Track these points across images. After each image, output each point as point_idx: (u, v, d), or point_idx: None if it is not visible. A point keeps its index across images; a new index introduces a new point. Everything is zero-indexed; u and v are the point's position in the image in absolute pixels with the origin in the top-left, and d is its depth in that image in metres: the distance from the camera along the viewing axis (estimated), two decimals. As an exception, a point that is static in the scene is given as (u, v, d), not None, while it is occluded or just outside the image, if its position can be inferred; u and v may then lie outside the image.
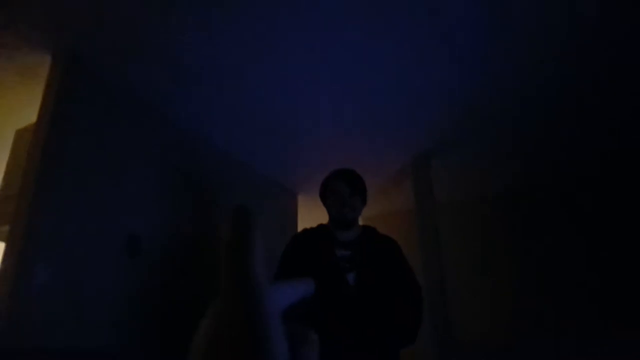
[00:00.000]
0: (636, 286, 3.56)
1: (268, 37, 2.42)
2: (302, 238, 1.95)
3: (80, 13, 2.25)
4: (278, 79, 2.79)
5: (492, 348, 3.73)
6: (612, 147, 3.72)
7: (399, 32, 2.41)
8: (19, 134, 2.87)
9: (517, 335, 3.82)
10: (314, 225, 2.02)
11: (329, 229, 1.93)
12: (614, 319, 3.55)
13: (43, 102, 2.44)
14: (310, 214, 4.50)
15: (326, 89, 2.91)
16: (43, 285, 2.12)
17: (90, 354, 2.19)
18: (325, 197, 1.98)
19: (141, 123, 2.96)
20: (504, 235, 4.31)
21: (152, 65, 2.64)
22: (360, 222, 2.01)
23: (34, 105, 2.51)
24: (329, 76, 2.78)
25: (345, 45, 2.50)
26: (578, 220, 4.01)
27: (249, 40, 2.43)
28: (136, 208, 2.78)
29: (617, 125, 3.40)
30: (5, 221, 2.32)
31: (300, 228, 3.57)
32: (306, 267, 1.79)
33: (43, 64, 2.55)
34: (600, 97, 3.03)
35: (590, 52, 2.58)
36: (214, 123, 3.31)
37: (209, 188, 3.51)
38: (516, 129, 3.45)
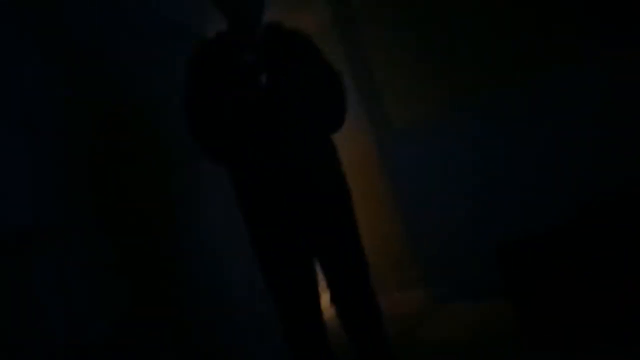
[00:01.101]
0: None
1: None
2: (199, 50, 1.69)
3: None
4: None
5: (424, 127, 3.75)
6: None
7: None
8: None
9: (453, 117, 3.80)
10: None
11: (228, 35, 1.69)
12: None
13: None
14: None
15: None
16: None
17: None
18: None
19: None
20: (438, 17, 3.87)
21: None
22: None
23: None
24: None
25: None
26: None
27: None
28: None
29: None
30: None
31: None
32: (211, 79, 1.60)
33: None
34: None
35: None
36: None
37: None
38: None
